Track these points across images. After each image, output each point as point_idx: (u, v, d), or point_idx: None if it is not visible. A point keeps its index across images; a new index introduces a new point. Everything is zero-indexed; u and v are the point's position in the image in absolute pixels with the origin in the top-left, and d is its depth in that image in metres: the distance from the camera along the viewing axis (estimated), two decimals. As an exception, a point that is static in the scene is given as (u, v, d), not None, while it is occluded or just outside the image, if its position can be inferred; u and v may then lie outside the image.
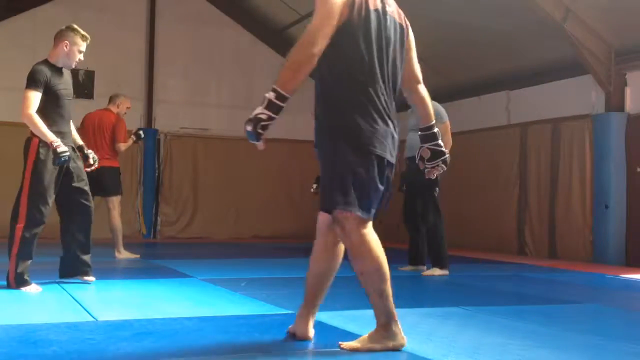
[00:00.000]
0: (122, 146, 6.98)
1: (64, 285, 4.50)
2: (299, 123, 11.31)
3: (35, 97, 4.41)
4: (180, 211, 10.90)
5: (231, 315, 3.56)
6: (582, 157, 8.13)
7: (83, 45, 4.57)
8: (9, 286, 4.29)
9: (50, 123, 4.46)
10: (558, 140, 8.49)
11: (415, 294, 5.02)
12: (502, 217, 9.17)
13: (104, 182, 6.88)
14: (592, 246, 7.93)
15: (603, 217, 7.78)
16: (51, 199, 4.50)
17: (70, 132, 4.67)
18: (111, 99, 7.18)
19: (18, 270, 4.29)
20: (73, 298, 3.99)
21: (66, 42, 4.54)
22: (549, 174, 8.60)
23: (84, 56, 4.65)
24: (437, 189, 5.95)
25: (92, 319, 3.35)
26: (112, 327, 3.14)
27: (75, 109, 8.33)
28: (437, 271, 5.90)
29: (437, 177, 5.85)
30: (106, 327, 3.16)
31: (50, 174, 4.46)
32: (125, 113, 7.18)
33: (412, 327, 3.25)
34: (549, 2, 7.50)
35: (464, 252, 8.48)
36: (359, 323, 3.32)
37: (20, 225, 4.35)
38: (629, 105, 7.84)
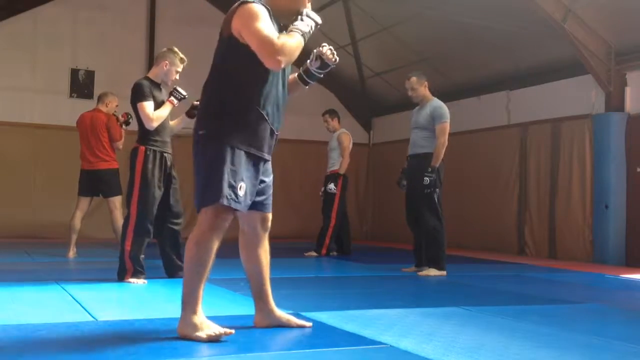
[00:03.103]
0: (120, 144, 7.02)
1: (64, 285, 4.50)
2: (299, 123, 11.33)
3: (149, 106, 4.86)
4: (180, 211, 10.90)
5: (231, 315, 3.56)
6: (582, 157, 8.13)
7: (180, 67, 5.06)
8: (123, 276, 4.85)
9: (153, 133, 4.91)
10: (558, 140, 8.49)
11: (415, 294, 5.01)
12: (502, 217, 9.17)
13: (105, 183, 6.91)
14: (592, 246, 7.93)
15: (603, 217, 7.78)
16: (156, 205, 4.90)
17: (170, 141, 5.10)
18: (100, 98, 7.20)
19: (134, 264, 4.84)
20: (73, 298, 3.99)
21: (166, 62, 5.00)
22: (549, 174, 8.60)
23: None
24: (437, 190, 5.94)
25: (92, 319, 3.35)
26: (112, 327, 3.14)
27: (76, 109, 8.39)
28: (432, 271, 5.89)
29: (437, 179, 5.89)
30: (106, 327, 3.16)
31: (157, 179, 4.88)
32: (115, 112, 7.19)
33: (412, 327, 3.26)
34: (549, 2, 7.50)
35: (464, 252, 8.48)
36: (359, 323, 3.32)
37: (131, 227, 4.80)
38: (629, 105, 7.84)
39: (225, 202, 2.83)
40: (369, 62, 10.85)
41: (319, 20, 2.99)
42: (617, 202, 7.74)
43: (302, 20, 2.92)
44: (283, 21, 3.04)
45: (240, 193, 2.89)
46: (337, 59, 3.11)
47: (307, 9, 2.99)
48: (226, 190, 2.84)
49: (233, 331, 2.87)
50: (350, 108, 11.94)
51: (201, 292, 2.91)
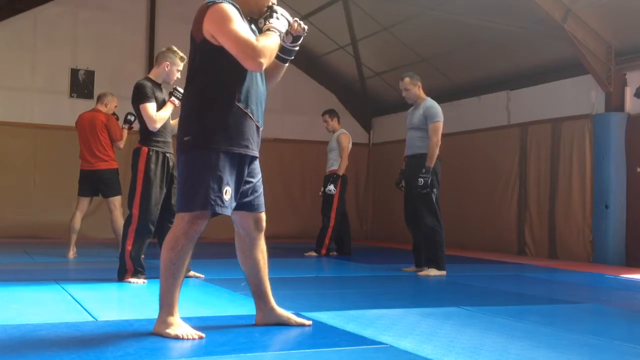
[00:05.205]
0: (121, 144, 7.02)
1: (64, 285, 4.50)
2: (299, 123, 11.34)
3: (152, 107, 4.86)
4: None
5: (231, 315, 3.56)
6: (582, 157, 8.13)
7: (181, 65, 5.02)
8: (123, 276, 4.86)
9: (155, 133, 4.91)
10: (558, 140, 8.48)
11: (415, 294, 5.01)
12: (502, 217, 9.17)
13: (104, 184, 6.90)
14: (592, 246, 7.93)
15: (603, 217, 7.78)
16: (159, 205, 4.89)
17: (171, 141, 5.00)
18: (99, 99, 7.19)
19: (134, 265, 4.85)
20: (73, 298, 3.99)
21: (167, 62, 5.01)
22: (549, 174, 8.60)
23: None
24: (435, 190, 5.94)
25: (92, 319, 3.35)
26: (112, 327, 3.14)
27: (76, 109, 8.39)
28: (432, 271, 5.90)
29: (434, 179, 5.89)
30: (106, 327, 3.16)
31: (159, 180, 4.88)
32: (114, 113, 7.19)
33: (412, 327, 3.26)
34: (549, 2, 7.50)
35: (464, 252, 8.49)
36: (359, 323, 3.33)
37: (133, 227, 4.80)
38: (629, 105, 7.84)
39: (210, 209, 2.85)
40: (369, 62, 10.85)
41: (291, 19, 2.98)
42: (617, 202, 7.74)
43: (277, 19, 2.90)
44: (252, 16, 3.01)
45: (226, 197, 2.90)
46: (305, 27, 3.07)
47: (276, 6, 2.97)
48: (212, 197, 2.86)
49: (204, 335, 2.88)
50: (350, 108, 11.94)
51: (177, 294, 2.92)
